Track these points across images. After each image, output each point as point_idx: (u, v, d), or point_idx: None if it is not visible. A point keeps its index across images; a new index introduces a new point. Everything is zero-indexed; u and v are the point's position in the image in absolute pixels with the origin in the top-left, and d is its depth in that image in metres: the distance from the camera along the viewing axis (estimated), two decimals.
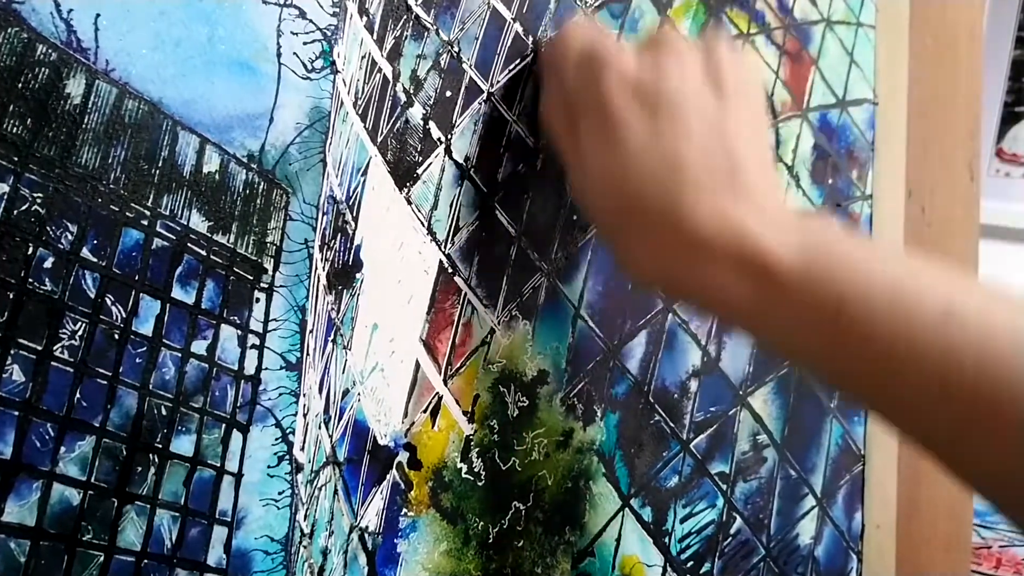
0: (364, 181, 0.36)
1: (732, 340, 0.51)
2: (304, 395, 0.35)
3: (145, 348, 0.30)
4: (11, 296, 0.27)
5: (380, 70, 0.36)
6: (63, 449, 0.28)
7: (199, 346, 0.32)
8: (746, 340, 0.51)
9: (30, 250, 0.27)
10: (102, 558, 0.29)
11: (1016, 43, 1.71)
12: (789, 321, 0.31)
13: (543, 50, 0.40)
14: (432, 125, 0.38)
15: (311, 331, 0.35)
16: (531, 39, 0.41)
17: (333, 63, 0.34)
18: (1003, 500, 0.28)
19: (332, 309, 0.36)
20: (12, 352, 0.27)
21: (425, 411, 0.39)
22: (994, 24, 1.66)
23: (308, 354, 0.35)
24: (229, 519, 0.33)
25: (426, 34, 0.37)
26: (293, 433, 0.35)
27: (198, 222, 0.31)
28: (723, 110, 0.33)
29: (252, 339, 0.33)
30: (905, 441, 0.31)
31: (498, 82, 0.40)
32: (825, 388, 0.33)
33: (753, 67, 0.36)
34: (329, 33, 0.34)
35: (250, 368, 0.33)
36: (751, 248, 0.30)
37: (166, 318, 0.31)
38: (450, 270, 0.39)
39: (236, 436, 0.33)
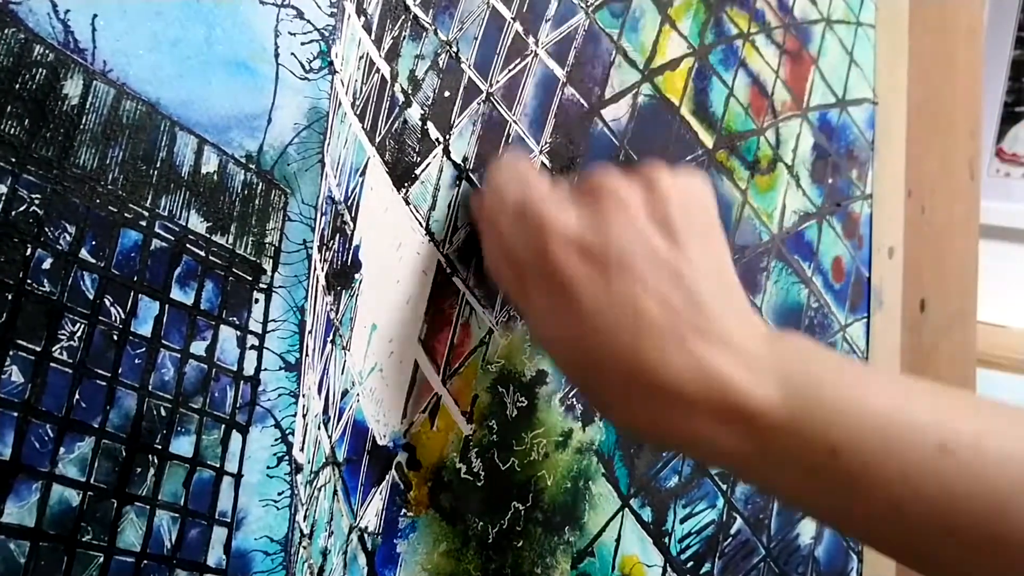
0: (362, 181, 0.36)
1: None
2: (303, 396, 0.35)
3: (144, 349, 0.30)
4: (9, 297, 0.27)
5: (378, 70, 0.36)
6: (62, 450, 0.28)
7: (198, 347, 0.32)
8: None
9: (28, 251, 0.27)
10: (102, 559, 0.29)
11: (1016, 43, 1.71)
12: (781, 468, 0.30)
13: (473, 200, 0.38)
14: (430, 125, 0.38)
15: (310, 332, 0.35)
16: (531, 38, 0.41)
17: (331, 63, 0.34)
18: None
19: (331, 310, 0.36)
20: (11, 353, 0.27)
21: (424, 411, 0.39)
22: (994, 24, 1.66)
23: (307, 355, 0.35)
24: (229, 520, 0.33)
25: (424, 34, 0.37)
26: (292, 434, 0.34)
27: (197, 223, 0.31)
28: (675, 248, 0.32)
29: (251, 340, 0.33)
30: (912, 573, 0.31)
31: (497, 82, 0.40)
32: (828, 528, 0.33)
33: (700, 187, 0.34)
34: (327, 33, 0.34)
35: (249, 369, 0.33)
36: (731, 398, 0.29)
37: (165, 319, 0.31)
38: (448, 270, 0.39)
39: (236, 437, 0.33)
